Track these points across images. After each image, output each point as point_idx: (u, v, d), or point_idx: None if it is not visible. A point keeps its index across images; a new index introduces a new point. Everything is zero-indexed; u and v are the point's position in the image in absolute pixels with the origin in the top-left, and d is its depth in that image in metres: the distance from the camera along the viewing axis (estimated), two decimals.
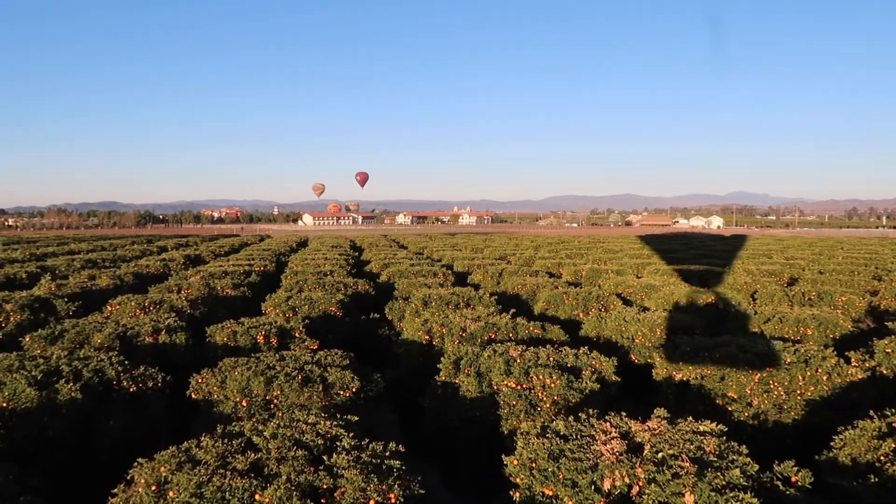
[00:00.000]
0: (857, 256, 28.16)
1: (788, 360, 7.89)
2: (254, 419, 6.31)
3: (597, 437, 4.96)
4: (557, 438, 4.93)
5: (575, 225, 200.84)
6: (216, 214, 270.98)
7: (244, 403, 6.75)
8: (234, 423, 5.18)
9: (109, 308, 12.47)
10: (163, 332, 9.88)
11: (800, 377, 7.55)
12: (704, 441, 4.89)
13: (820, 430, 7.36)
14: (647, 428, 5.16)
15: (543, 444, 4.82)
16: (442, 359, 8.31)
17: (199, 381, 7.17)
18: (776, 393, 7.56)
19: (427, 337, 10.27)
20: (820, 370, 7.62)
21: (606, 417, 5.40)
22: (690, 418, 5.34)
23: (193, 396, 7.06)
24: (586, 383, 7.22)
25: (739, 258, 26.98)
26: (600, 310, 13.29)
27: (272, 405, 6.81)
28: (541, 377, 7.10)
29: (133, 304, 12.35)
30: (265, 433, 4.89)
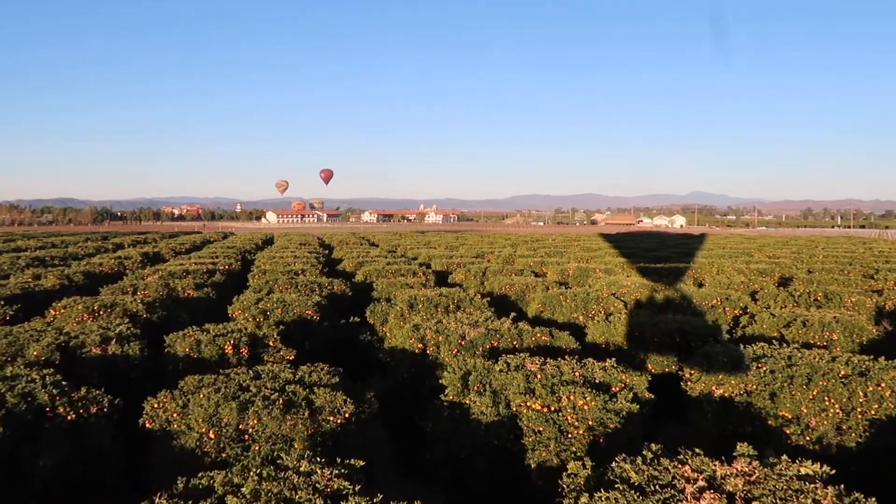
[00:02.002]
0: (837, 255, 27.80)
1: (842, 372, 6.90)
2: (225, 462, 5.04)
3: (680, 487, 3.82)
4: (631, 491, 3.78)
5: (541, 223, 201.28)
6: (177, 212, 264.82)
7: (211, 435, 5.45)
8: (200, 474, 3.90)
9: (53, 312, 10.95)
10: (113, 341, 8.47)
11: (860, 393, 6.56)
12: (818, 491, 3.79)
13: (885, 453, 6.41)
14: (736, 472, 4.05)
15: (616, 500, 3.67)
16: (445, 373, 7.12)
17: (156, 405, 5.84)
18: (833, 411, 6.57)
19: (420, 345, 9.06)
20: (883, 384, 6.63)
21: (681, 456, 4.28)
22: (785, 457, 4.24)
23: (148, 426, 5.73)
24: (622, 403, 6.10)
25: (722, 256, 26.34)
26: (601, 313, 12.26)
27: (246, 436, 5.54)
28: (571, 397, 5.96)
29: (80, 307, 10.86)
30: (244, 490, 3.63)
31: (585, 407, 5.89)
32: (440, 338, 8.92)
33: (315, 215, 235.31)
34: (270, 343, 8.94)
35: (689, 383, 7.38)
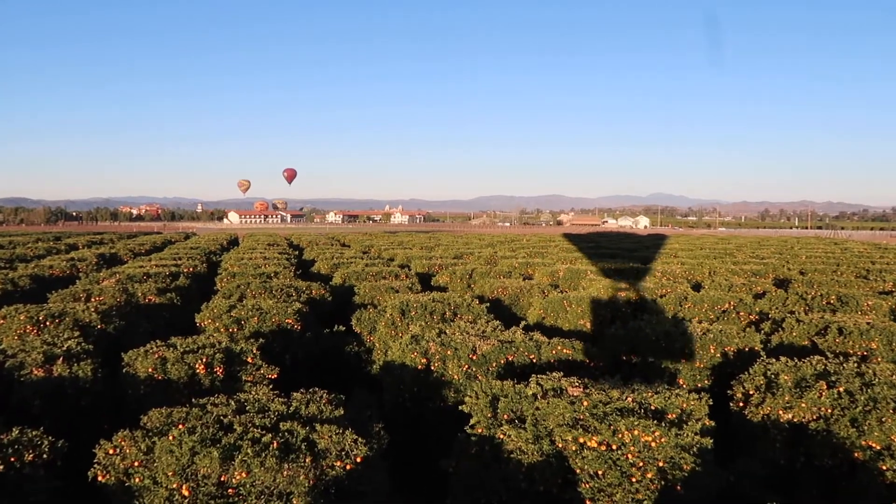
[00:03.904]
0: (820, 256, 27.44)
1: None
2: None
3: None
4: None
5: (507, 224, 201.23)
6: (135, 212, 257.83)
7: (185, 492, 4.19)
8: None
9: None
10: (60, 360, 7.09)
11: None
12: None
13: None
14: None
15: None
16: (467, 398, 5.94)
17: (111, 451, 4.55)
18: None
19: (424, 360, 7.88)
20: None
21: None
22: None
23: (101, 479, 4.44)
24: (690, 436, 5.03)
25: (707, 257, 25.69)
26: (608, 319, 11.25)
27: (231, 491, 4.29)
28: (635, 431, 4.85)
29: (23, 317, 9.40)
30: None
31: (653, 444, 4.79)
32: (448, 351, 7.75)
33: (278, 216, 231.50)
34: (248, 359, 7.67)
35: (749, 406, 6.33)
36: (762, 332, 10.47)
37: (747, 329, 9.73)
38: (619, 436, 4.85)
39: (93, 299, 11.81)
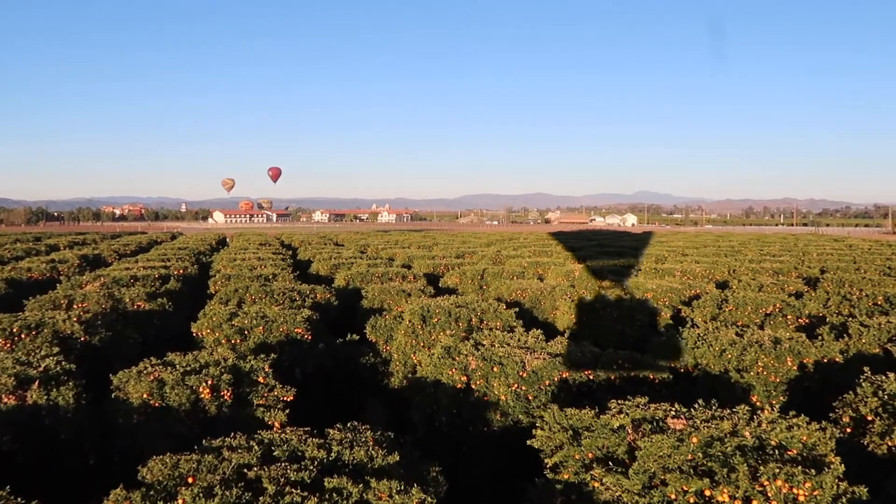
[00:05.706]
0: (832, 253, 26.66)
1: None
2: None
3: None
4: None
5: (496, 223, 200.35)
6: (118, 212, 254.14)
7: None
8: None
9: None
10: (35, 383, 5.95)
11: None
12: None
13: None
14: None
15: None
16: (538, 431, 4.86)
17: None
18: None
19: (464, 377, 6.80)
20: None
21: None
22: None
23: None
24: (833, 483, 3.99)
25: (717, 255, 24.83)
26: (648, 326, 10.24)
27: None
28: (777, 482, 3.80)
29: None
30: None
31: (801, 497, 3.75)
32: (493, 367, 6.67)
33: (264, 215, 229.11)
34: (260, 379, 6.55)
35: (870, 435, 5.31)
36: (819, 337, 9.51)
37: (827, 335, 8.74)
38: (757, 486, 3.80)
39: (75, 306, 10.63)
